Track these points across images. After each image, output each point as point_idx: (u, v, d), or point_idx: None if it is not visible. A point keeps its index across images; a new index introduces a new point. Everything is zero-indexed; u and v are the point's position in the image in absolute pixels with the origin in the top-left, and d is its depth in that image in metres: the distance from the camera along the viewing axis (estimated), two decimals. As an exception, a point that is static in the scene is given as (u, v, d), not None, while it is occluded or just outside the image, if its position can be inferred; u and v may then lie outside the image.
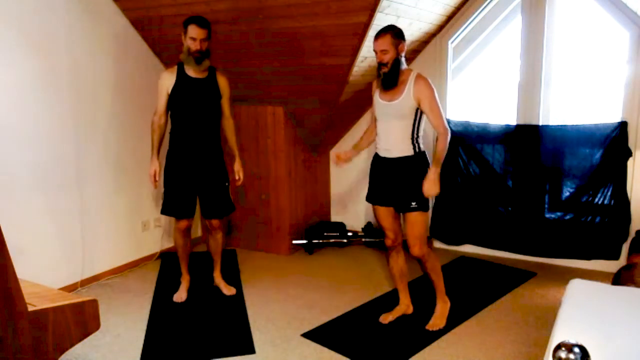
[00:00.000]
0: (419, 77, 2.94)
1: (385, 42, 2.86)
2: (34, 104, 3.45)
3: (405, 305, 3.32)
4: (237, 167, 3.62)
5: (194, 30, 3.19)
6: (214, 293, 3.70)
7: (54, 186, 3.61)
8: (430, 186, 2.91)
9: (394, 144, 2.98)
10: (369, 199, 3.17)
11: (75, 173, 3.75)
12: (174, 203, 3.44)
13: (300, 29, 3.52)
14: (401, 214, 3.10)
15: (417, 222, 3.00)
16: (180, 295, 3.60)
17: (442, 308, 3.24)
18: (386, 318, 3.25)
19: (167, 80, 3.32)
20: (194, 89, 3.32)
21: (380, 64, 2.90)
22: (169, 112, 3.41)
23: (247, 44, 3.83)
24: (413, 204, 2.97)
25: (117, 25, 3.98)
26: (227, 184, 3.56)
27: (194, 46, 3.21)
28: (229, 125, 3.56)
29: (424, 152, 3.05)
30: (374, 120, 3.13)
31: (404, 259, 3.23)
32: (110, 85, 3.97)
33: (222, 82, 3.43)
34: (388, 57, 2.87)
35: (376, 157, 3.12)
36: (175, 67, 3.34)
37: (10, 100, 3.32)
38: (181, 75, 3.31)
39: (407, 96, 2.91)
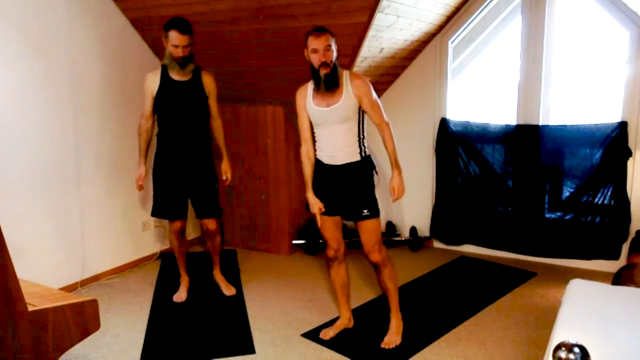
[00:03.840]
0: (354, 75, 2.80)
1: (328, 38, 2.68)
2: (33, 104, 3.45)
3: (346, 319, 3.14)
4: (225, 167, 3.57)
5: (175, 37, 3.10)
6: (214, 293, 3.69)
7: (54, 186, 3.61)
8: (400, 190, 2.81)
9: (340, 148, 2.80)
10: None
11: (75, 173, 3.75)
12: (164, 205, 3.42)
13: (300, 29, 3.52)
14: (353, 222, 2.91)
15: (371, 229, 2.85)
16: (180, 296, 3.59)
17: (397, 323, 3.02)
18: (327, 334, 3.06)
19: (152, 83, 3.26)
20: (178, 92, 3.27)
21: (323, 65, 2.67)
22: (155, 115, 3.37)
23: (247, 44, 3.83)
24: (365, 211, 2.82)
25: (117, 25, 3.98)
26: (216, 185, 3.51)
27: (176, 53, 3.14)
28: (217, 125, 3.50)
29: (369, 156, 2.89)
30: (305, 133, 2.90)
31: (346, 270, 3.07)
32: (110, 85, 3.97)
33: (208, 82, 3.35)
34: (333, 56, 2.69)
35: (319, 164, 2.91)
36: (160, 69, 3.29)
37: (9, 100, 3.32)
38: (165, 79, 3.25)
39: (348, 96, 2.74)
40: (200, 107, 3.36)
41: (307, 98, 2.84)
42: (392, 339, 2.97)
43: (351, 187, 2.85)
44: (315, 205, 2.90)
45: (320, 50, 2.67)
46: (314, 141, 2.94)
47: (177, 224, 3.47)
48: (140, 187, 3.43)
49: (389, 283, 2.96)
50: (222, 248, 3.53)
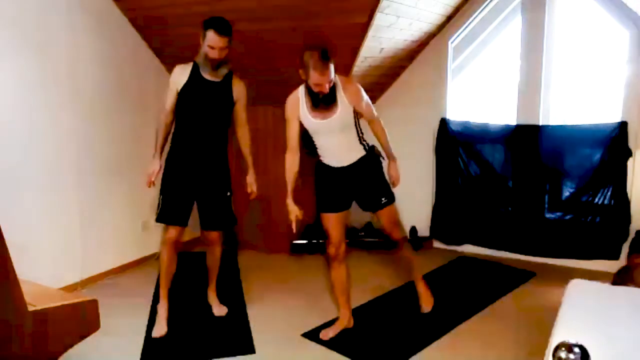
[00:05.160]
0: (345, 81, 2.79)
1: (330, 72, 2.61)
2: (34, 104, 3.45)
3: (346, 319, 3.13)
4: (250, 179, 3.31)
5: (212, 39, 2.87)
6: (214, 293, 3.69)
7: (54, 186, 3.61)
8: (398, 177, 2.99)
9: (345, 152, 2.88)
10: (324, 208, 2.99)
11: (76, 173, 3.75)
12: (169, 209, 3.13)
13: (300, 29, 3.52)
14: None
15: (391, 213, 3.03)
16: (159, 331, 3.11)
17: (425, 285, 3.31)
18: (327, 334, 3.04)
19: (179, 77, 3.02)
20: (205, 92, 3.03)
21: (320, 93, 2.66)
22: (175, 111, 3.13)
23: (247, 44, 3.83)
24: (383, 199, 2.97)
25: (117, 25, 3.97)
26: (229, 194, 3.26)
27: (212, 54, 2.91)
28: (244, 133, 3.25)
29: (373, 146, 2.97)
30: (293, 142, 2.89)
31: (346, 270, 3.08)
32: (111, 85, 3.96)
33: (238, 87, 3.12)
34: (332, 82, 2.66)
35: (325, 167, 2.95)
36: (191, 63, 3.05)
37: (10, 100, 3.32)
38: (195, 75, 3.01)
39: (344, 106, 2.75)
40: (225, 111, 3.13)
41: (300, 109, 2.81)
42: (429, 300, 3.28)
43: (365, 180, 2.94)
44: (293, 212, 2.93)
45: (322, 84, 2.63)
46: (314, 148, 2.94)
47: (173, 233, 3.11)
48: (152, 184, 3.15)
49: (409, 255, 3.22)
50: (222, 248, 3.47)
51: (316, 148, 2.97)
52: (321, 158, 2.97)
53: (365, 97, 2.83)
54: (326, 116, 2.75)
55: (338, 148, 2.87)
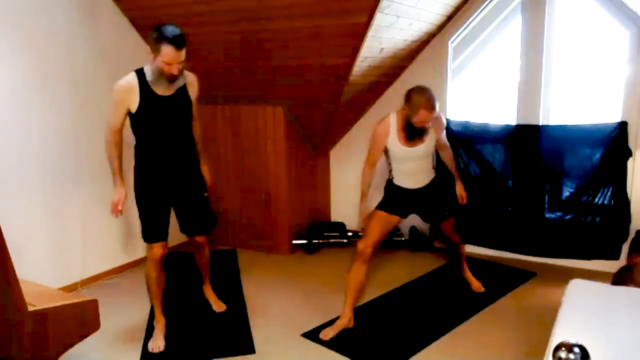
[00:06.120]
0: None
1: (435, 112, 2.96)
2: (33, 104, 3.45)
3: (347, 319, 3.14)
4: (205, 171, 3.15)
5: (170, 54, 2.57)
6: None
7: (54, 186, 3.61)
8: (465, 195, 3.49)
9: (423, 176, 3.24)
10: (384, 206, 3.21)
11: (76, 173, 3.75)
12: (152, 227, 2.96)
13: (300, 29, 3.52)
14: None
15: (451, 222, 3.48)
16: (157, 344, 2.96)
17: (471, 274, 3.75)
18: (327, 334, 3.06)
19: (129, 97, 2.73)
20: (164, 109, 2.79)
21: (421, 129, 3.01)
22: (132, 129, 2.89)
23: (247, 44, 3.83)
24: (448, 213, 3.41)
25: (117, 25, 3.98)
26: (206, 194, 3.13)
27: (169, 70, 2.62)
28: (194, 126, 3.06)
29: (435, 168, 3.37)
30: (375, 159, 3.18)
31: (365, 273, 3.16)
32: (110, 85, 3.92)
33: (192, 85, 2.91)
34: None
35: (398, 188, 3.24)
36: (135, 78, 2.74)
37: (9, 100, 3.32)
38: (147, 94, 2.73)
39: (430, 136, 3.11)
40: (186, 116, 2.93)
41: (389, 138, 3.08)
42: (477, 285, 3.68)
43: (433, 198, 3.31)
44: (364, 214, 3.22)
45: (428, 122, 2.96)
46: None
47: (158, 249, 2.96)
48: (120, 213, 2.90)
49: (464, 251, 3.73)
50: (223, 248, 3.46)
51: (391, 170, 3.27)
52: (395, 180, 3.25)
53: (444, 126, 3.28)
54: (415, 145, 3.08)
55: (416, 172, 3.20)
